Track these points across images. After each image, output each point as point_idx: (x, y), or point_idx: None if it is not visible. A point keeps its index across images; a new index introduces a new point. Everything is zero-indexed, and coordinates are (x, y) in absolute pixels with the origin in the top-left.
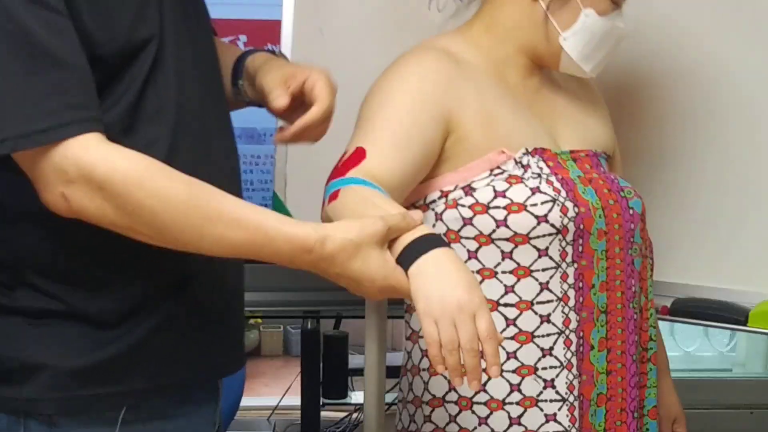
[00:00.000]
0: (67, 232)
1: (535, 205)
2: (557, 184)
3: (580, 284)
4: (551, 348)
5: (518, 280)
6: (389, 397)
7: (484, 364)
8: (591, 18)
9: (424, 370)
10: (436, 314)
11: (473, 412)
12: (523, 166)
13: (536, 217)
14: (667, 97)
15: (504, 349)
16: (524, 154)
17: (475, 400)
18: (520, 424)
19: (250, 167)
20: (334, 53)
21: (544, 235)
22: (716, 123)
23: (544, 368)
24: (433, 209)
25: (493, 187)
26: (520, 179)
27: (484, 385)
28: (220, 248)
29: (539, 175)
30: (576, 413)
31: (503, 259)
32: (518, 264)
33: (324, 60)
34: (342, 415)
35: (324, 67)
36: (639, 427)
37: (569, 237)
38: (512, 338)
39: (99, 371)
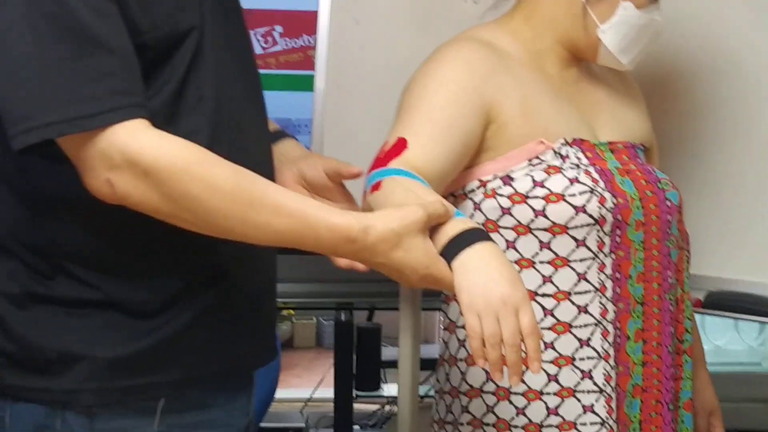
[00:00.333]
0: (105, 220)
1: (573, 195)
2: (595, 175)
3: (618, 275)
4: (588, 339)
5: (556, 270)
6: (422, 390)
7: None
8: (629, 11)
9: (461, 360)
10: (479, 308)
11: (511, 402)
12: (561, 156)
13: (574, 207)
14: (708, 91)
15: (541, 339)
16: (563, 144)
17: (512, 390)
18: (557, 414)
19: None
20: (370, 43)
21: (582, 226)
22: (756, 117)
23: (582, 359)
24: (471, 199)
25: (532, 177)
26: (559, 169)
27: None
28: (262, 236)
29: (578, 166)
30: (613, 404)
31: (541, 249)
32: (556, 254)
33: (359, 50)
34: (374, 407)
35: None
36: (674, 419)
37: (607, 228)
38: (550, 329)
39: (137, 362)
